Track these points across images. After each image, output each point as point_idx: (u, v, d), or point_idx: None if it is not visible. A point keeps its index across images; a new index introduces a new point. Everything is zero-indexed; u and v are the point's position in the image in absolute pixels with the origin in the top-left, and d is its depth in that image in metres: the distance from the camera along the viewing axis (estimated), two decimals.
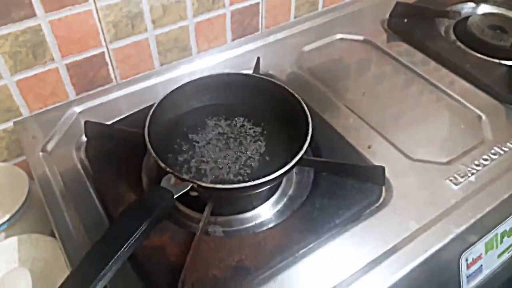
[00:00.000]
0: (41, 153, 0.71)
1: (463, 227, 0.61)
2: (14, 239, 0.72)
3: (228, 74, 0.72)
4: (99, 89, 0.85)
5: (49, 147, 0.73)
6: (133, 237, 0.47)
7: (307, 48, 0.93)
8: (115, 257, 0.45)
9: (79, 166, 0.70)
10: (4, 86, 0.75)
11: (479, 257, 0.65)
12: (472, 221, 0.62)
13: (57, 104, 0.81)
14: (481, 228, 0.64)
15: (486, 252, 0.66)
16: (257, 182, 0.55)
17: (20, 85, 0.77)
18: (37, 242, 0.72)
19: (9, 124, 0.79)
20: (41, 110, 0.81)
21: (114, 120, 0.76)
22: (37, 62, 0.77)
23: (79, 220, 0.63)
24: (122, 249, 0.45)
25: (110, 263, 0.44)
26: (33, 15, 0.71)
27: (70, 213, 0.64)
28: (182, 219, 0.63)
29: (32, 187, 0.77)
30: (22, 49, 0.74)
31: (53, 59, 0.78)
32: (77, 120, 0.77)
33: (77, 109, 0.79)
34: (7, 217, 0.73)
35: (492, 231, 0.65)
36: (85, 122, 0.71)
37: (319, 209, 0.61)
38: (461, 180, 0.67)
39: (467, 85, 0.83)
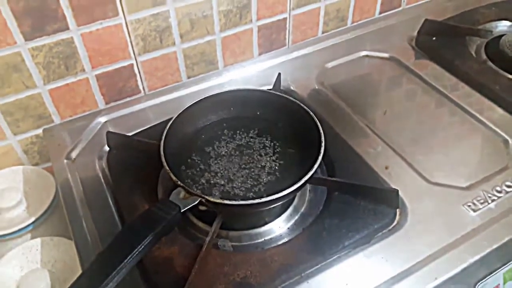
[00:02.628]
0: (65, 160, 0.75)
1: (478, 256, 0.58)
2: (37, 241, 0.76)
3: (245, 90, 0.73)
4: (127, 99, 0.88)
5: (73, 154, 0.76)
6: (137, 249, 0.48)
7: (330, 64, 0.93)
8: (118, 268, 0.46)
9: (100, 175, 0.73)
10: (37, 94, 0.79)
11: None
12: (488, 250, 0.59)
13: (86, 113, 0.85)
14: (499, 258, 0.62)
15: (505, 283, 0.63)
16: (264, 200, 0.55)
17: (53, 94, 0.81)
18: (59, 245, 0.75)
19: (41, 130, 0.83)
20: (70, 118, 0.84)
21: (138, 131, 0.78)
22: (69, 72, 0.80)
23: (95, 227, 0.65)
24: (125, 261, 0.47)
25: (112, 274, 0.46)
26: (66, 28, 0.75)
27: (87, 219, 0.66)
28: (193, 231, 0.64)
29: (59, 190, 0.80)
30: (55, 60, 0.77)
31: (83, 70, 0.81)
32: (103, 129, 0.80)
33: (103, 118, 0.82)
34: (32, 219, 0.76)
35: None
36: (107, 133, 0.73)
37: (328, 230, 0.60)
38: (480, 206, 0.64)
39: (496, 107, 0.80)
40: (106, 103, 0.87)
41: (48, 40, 0.75)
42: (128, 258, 0.47)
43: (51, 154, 0.76)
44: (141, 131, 0.78)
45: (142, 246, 0.48)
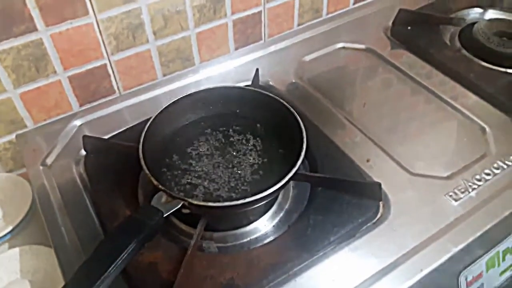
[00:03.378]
0: (41, 167, 0.72)
1: (461, 246, 0.59)
2: (16, 250, 0.74)
3: (224, 88, 0.72)
4: (102, 100, 0.86)
5: (49, 160, 0.74)
6: (120, 256, 0.47)
7: (308, 57, 0.92)
8: (102, 277, 0.45)
9: (78, 180, 0.71)
10: (8, 99, 0.77)
11: (480, 275, 0.63)
12: (471, 239, 0.60)
13: (60, 117, 0.83)
14: (481, 246, 0.63)
15: (487, 270, 0.64)
16: (248, 200, 0.55)
17: (24, 98, 0.78)
18: (38, 253, 0.74)
19: (14, 136, 0.80)
20: (44, 123, 0.82)
21: (115, 133, 0.77)
22: (40, 75, 0.77)
23: (75, 233, 0.63)
24: (110, 268, 0.46)
25: (96, 284, 0.45)
26: (34, 29, 0.72)
27: (67, 226, 0.64)
28: (176, 234, 0.63)
29: (35, 197, 0.78)
30: (25, 62, 0.75)
31: (55, 71, 0.79)
32: (78, 133, 0.78)
33: (78, 121, 0.80)
34: (10, 228, 0.74)
35: (494, 249, 0.64)
36: (84, 137, 0.71)
37: (313, 226, 0.60)
38: (461, 195, 0.65)
39: (471, 95, 0.81)
40: (81, 105, 0.85)
41: (15, 42, 0.72)
42: (112, 266, 0.46)
43: (26, 161, 0.74)
44: (118, 133, 0.77)
45: (126, 254, 0.47)
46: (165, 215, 0.53)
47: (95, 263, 0.47)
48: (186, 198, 0.54)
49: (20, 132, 0.80)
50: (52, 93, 0.81)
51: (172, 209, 0.54)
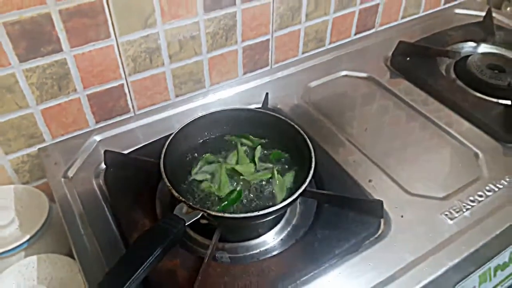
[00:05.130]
0: (62, 179, 0.76)
1: (456, 261, 0.64)
2: (33, 258, 0.76)
3: (238, 109, 0.77)
4: (117, 118, 0.91)
5: (70, 173, 0.78)
6: (147, 261, 0.51)
7: (313, 84, 0.98)
8: (131, 279, 0.49)
9: (98, 192, 0.75)
10: (30, 114, 0.81)
11: None
12: (465, 254, 0.65)
13: (79, 132, 0.87)
14: (474, 262, 0.67)
15: (480, 284, 0.69)
16: (262, 212, 0.59)
17: (45, 114, 0.82)
18: (55, 262, 0.76)
19: (33, 149, 0.85)
20: (63, 138, 0.86)
21: (132, 149, 0.81)
22: (61, 92, 0.82)
23: (96, 242, 0.67)
24: (138, 272, 0.50)
25: (127, 284, 0.49)
26: (59, 50, 0.77)
27: (88, 235, 0.68)
28: (192, 244, 0.67)
29: (51, 209, 0.81)
30: (48, 80, 0.79)
31: (75, 90, 0.83)
32: (97, 148, 0.82)
33: (97, 137, 0.85)
34: (27, 237, 0.77)
35: (486, 264, 0.69)
36: (105, 152, 0.76)
37: (320, 240, 0.65)
38: (456, 215, 0.70)
39: (466, 123, 0.87)
40: (97, 122, 0.89)
41: (42, 61, 0.77)
42: (140, 270, 0.50)
43: (48, 173, 0.78)
44: (134, 150, 0.81)
45: (152, 259, 0.51)
46: (187, 224, 0.57)
47: (124, 267, 0.51)
48: (205, 209, 0.59)
49: (41, 146, 0.84)
50: (71, 110, 0.85)
51: (193, 219, 0.58)
